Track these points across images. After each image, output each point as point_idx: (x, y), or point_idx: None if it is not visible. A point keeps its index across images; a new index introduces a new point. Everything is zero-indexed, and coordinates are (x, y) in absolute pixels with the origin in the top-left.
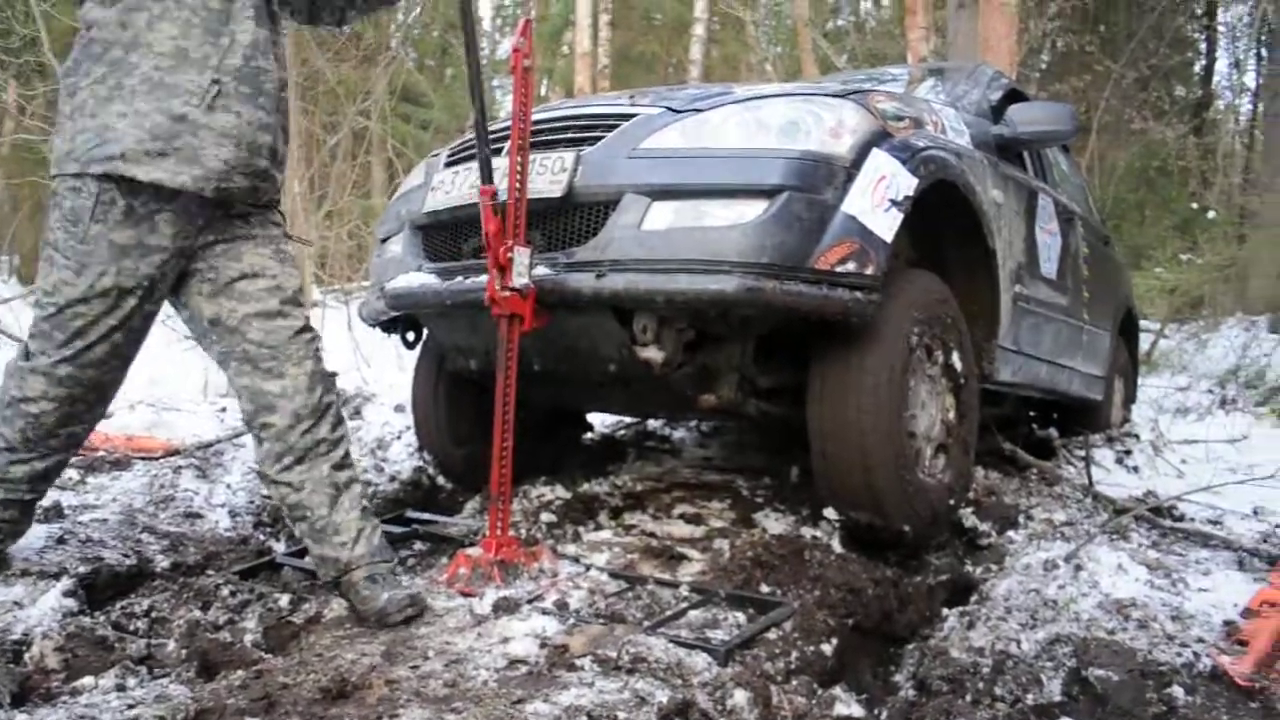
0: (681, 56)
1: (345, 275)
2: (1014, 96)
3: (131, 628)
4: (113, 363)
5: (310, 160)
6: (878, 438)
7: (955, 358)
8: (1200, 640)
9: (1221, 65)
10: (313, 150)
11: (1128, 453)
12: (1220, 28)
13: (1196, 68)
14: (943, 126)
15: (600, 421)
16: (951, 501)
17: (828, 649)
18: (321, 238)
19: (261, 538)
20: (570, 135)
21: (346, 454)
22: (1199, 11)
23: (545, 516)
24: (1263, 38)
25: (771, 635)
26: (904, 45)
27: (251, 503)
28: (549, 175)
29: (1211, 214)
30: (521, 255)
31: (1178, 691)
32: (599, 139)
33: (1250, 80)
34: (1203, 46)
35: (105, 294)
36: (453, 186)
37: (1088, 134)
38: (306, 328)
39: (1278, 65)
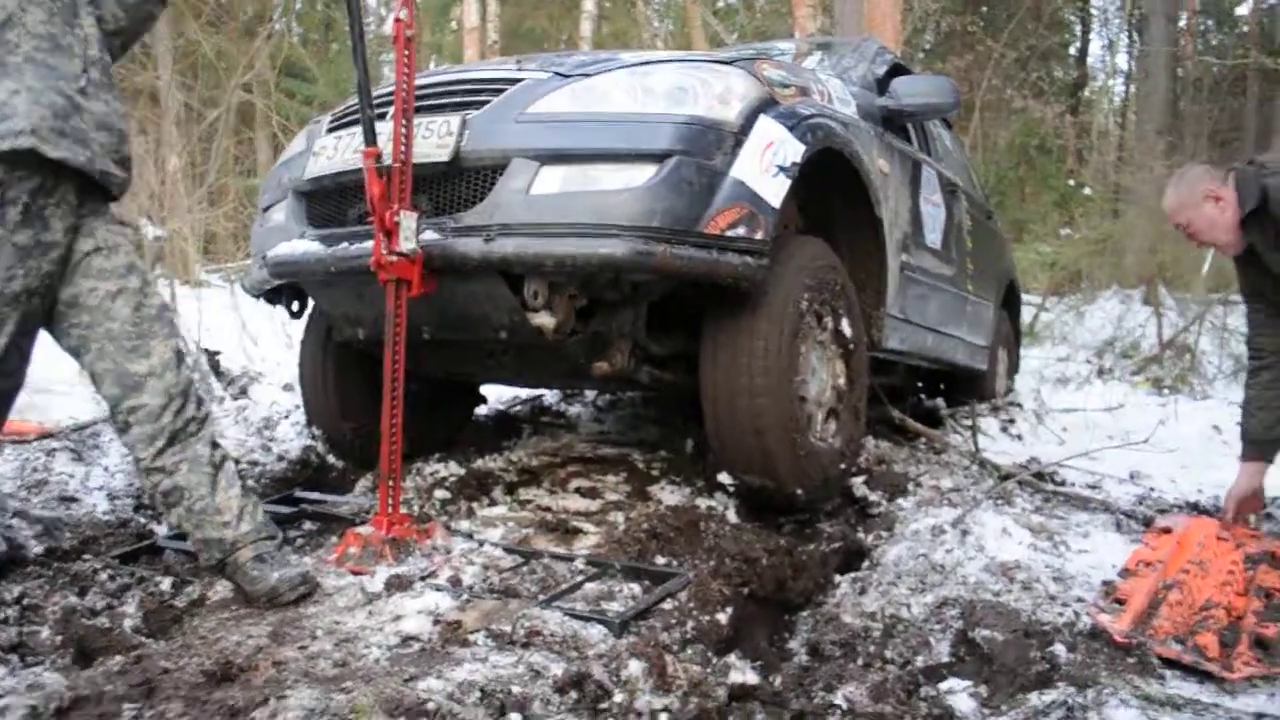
0: (572, 32)
1: (230, 254)
2: (899, 71)
3: (1, 616)
4: (14, 364)
5: (189, 136)
6: (769, 401)
7: (845, 324)
8: (1080, 600)
9: (1095, 47)
10: (191, 126)
11: (1011, 421)
12: (1094, 10)
13: (1072, 49)
14: (829, 96)
15: (495, 397)
16: (843, 465)
17: (723, 618)
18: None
19: (142, 520)
20: (456, 99)
21: (213, 433)
22: None
23: (439, 493)
24: (1133, 20)
25: (667, 606)
26: (792, 23)
27: (131, 485)
28: (435, 139)
29: (1088, 190)
30: (408, 219)
31: (1060, 649)
32: (486, 103)
33: (1122, 62)
34: (1078, 29)
35: (15, 299)
36: (335, 152)
37: (971, 112)
38: (166, 305)
39: (1149, 47)
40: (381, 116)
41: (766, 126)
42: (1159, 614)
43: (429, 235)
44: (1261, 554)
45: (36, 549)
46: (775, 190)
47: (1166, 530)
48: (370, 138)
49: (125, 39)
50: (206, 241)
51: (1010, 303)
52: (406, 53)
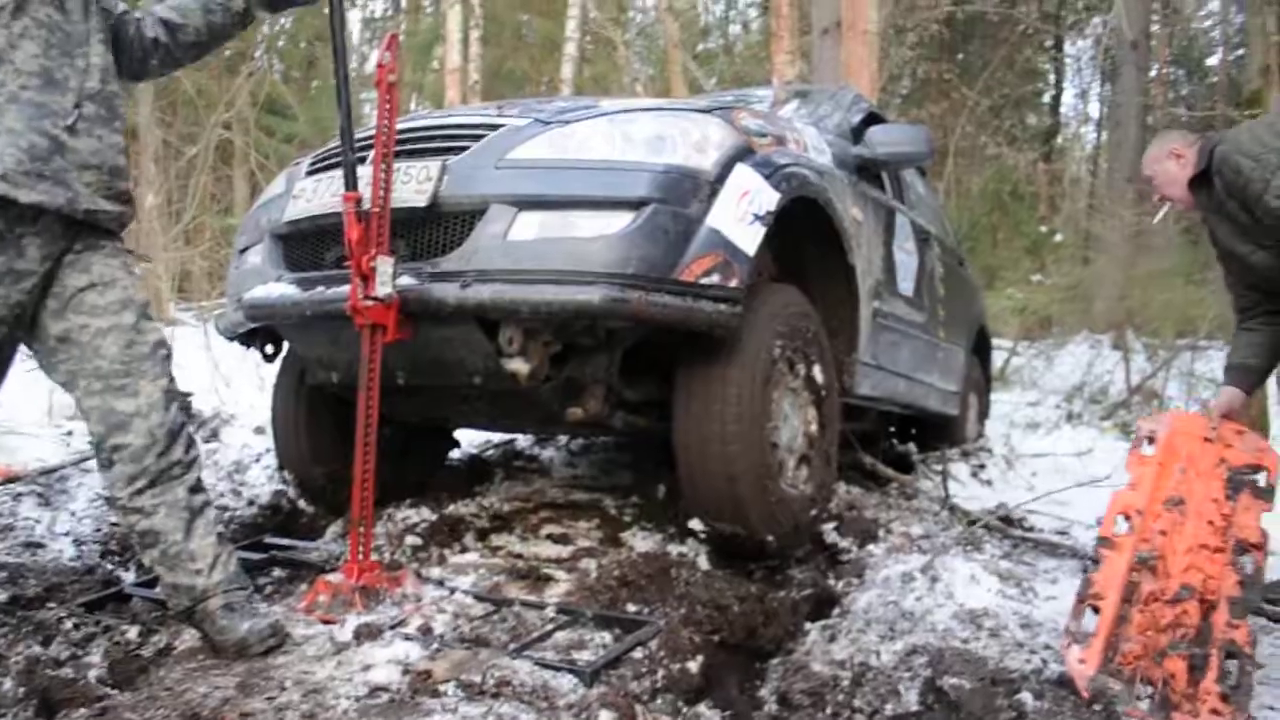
0: (553, 75)
1: (204, 293)
2: (874, 120)
3: None
4: None
5: (167, 173)
6: (741, 448)
7: (817, 371)
8: (1048, 647)
9: (1068, 95)
10: (169, 162)
11: (982, 466)
12: (1067, 59)
13: (1046, 97)
14: (805, 145)
15: (468, 441)
16: (814, 512)
17: (694, 666)
18: (178, 255)
19: (109, 567)
20: (436, 145)
21: (199, 478)
22: (1048, 44)
23: (409, 539)
24: (1104, 69)
25: (638, 654)
26: (770, 69)
27: (98, 530)
28: (414, 184)
29: (1059, 237)
30: (385, 264)
31: (1026, 697)
32: (465, 148)
33: (1094, 110)
34: (1051, 77)
35: None
36: (314, 195)
37: (945, 158)
38: (161, 342)
39: (1120, 96)
40: (361, 161)
41: (742, 175)
42: (1130, 622)
43: (405, 280)
44: (1244, 467)
45: (0, 596)
46: (750, 238)
47: (1150, 439)
48: (351, 182)
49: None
50: (181, 279)
51: (981, 348)
52: (389, 98)
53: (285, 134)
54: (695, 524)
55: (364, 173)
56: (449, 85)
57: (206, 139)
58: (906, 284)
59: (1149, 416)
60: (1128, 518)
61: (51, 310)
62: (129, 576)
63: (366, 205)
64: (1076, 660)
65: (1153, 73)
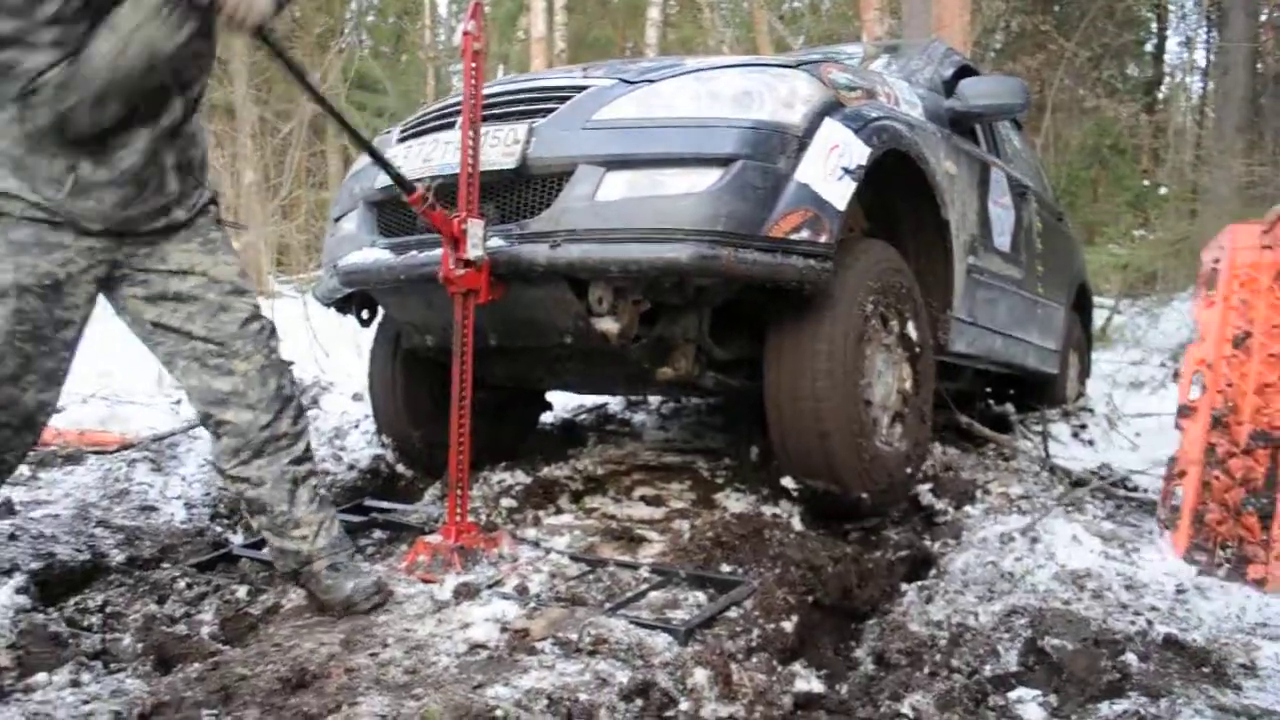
0: (638, 40)
1: (302, 265)
2: (966, 73)
3: (85, 623)
4: (27, 378)
5: (263, 149)
6: (834, 405)
7: (910, 327)
8: (1154, 609)
9: (1172, 44)
10: (266, 139)
11: (1083, 427)
12: (1170, 6)
13: (1148, 46)
14: (895, 98)
15: (561, 405)
16: (909, 470)
17: (788, 626)
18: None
19: (218, 530)
20: (523, 108)
21: (307, 447)
22: None
23: (505, 502)
24: (1211, 16)
25: (732, 614)
26: (859, 26)
27: (207, 495)
28: (501, 147)
29: (1163, 190)
30: (475, 227)
31: (1131, 659)
32: (552, 111)
33: (1200, 58)
34: (1153, 25)
35: (4, 293)
36: (405, 161)
37: (1042, 112)
38: (254, 317)
39: (1228, 43)
40: (450, 126)
41: (831, 129)
42: (1210, 492)
43: (496, 242)
44: None
45: (118, 557)
46: (840, 193)
47: (1214, 271)
48: (406, 186)
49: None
50: (279, 253)
51: (1082, 305)
52: (474, 65)
53: (375, 108)
54: (788, 483)
55: (452, 137)
56: (534, 54)
57: (300, 115)
58: (1003, 239)
59: (1210, 245)
60: (1201, 377)
61: (142, 298)
62: (237, 539)
63: (454, 170)
64: (1169, 540)
65: (1263, 16)
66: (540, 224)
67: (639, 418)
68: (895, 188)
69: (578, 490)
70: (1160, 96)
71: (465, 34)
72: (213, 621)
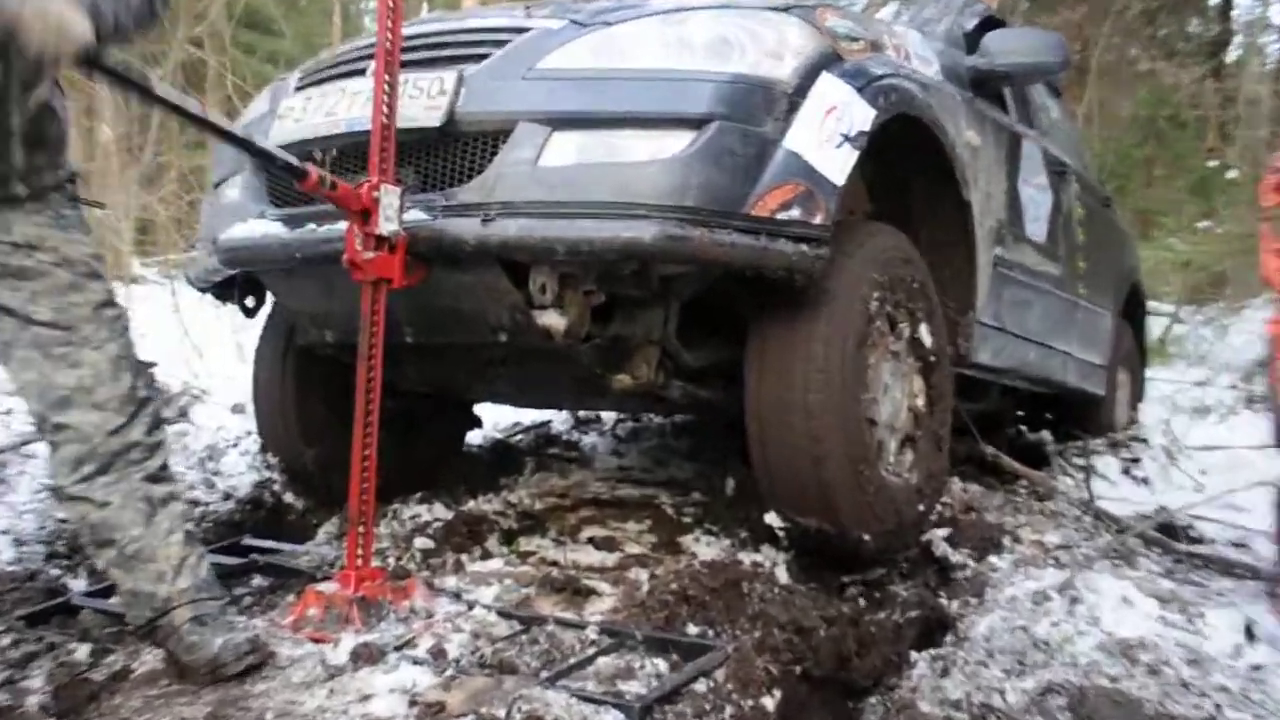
0: None
1: (171, 245)
2: (992, 25)
3: None
4: None
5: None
6: (829, 422)
7: (924, 331)
8: (1223, 689)
9: None
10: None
11: (1135, 460)
12: None
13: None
14: (906, 53)
15: (492, 422)
16: (921, 507)
17: (769, 703)
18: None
19: (55, 573)
20: (451, 53)
21: (165, 464)
22: None
23: (420, 542)
24: None
25: (700, 687)
26: None
27: (42, 529)
28: (424, 100)
29: (1233, 173)
30: (390, 196)
31: None
32: (487, 56)
33: (1277, 14)
34: None
35: None
36: (305, 114)
37: (1085, 76)
38: (108, 303)
39: None
40: (360, 73)
41: (829, 87)
42: None
43: (415, 215)
44: None
45: None
46: (838, 164)
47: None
48: (296, 173)
49: None
50: (142, 230)
51: (1133, 312)
52: (392, 2)
53: (268, 52)
54: (772, 520)
55: (363, 87)
56: None
57: (173, 59)
58: (1036, 227)
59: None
60: None
61: None
62: (78, 584)
63: (365, 127)
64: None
65: None
66: (470, 194)
67: (589, 440)
68: (905, 161)
69: (510, 529)
70: (1229, 59)
71: None
72: (44, 689)
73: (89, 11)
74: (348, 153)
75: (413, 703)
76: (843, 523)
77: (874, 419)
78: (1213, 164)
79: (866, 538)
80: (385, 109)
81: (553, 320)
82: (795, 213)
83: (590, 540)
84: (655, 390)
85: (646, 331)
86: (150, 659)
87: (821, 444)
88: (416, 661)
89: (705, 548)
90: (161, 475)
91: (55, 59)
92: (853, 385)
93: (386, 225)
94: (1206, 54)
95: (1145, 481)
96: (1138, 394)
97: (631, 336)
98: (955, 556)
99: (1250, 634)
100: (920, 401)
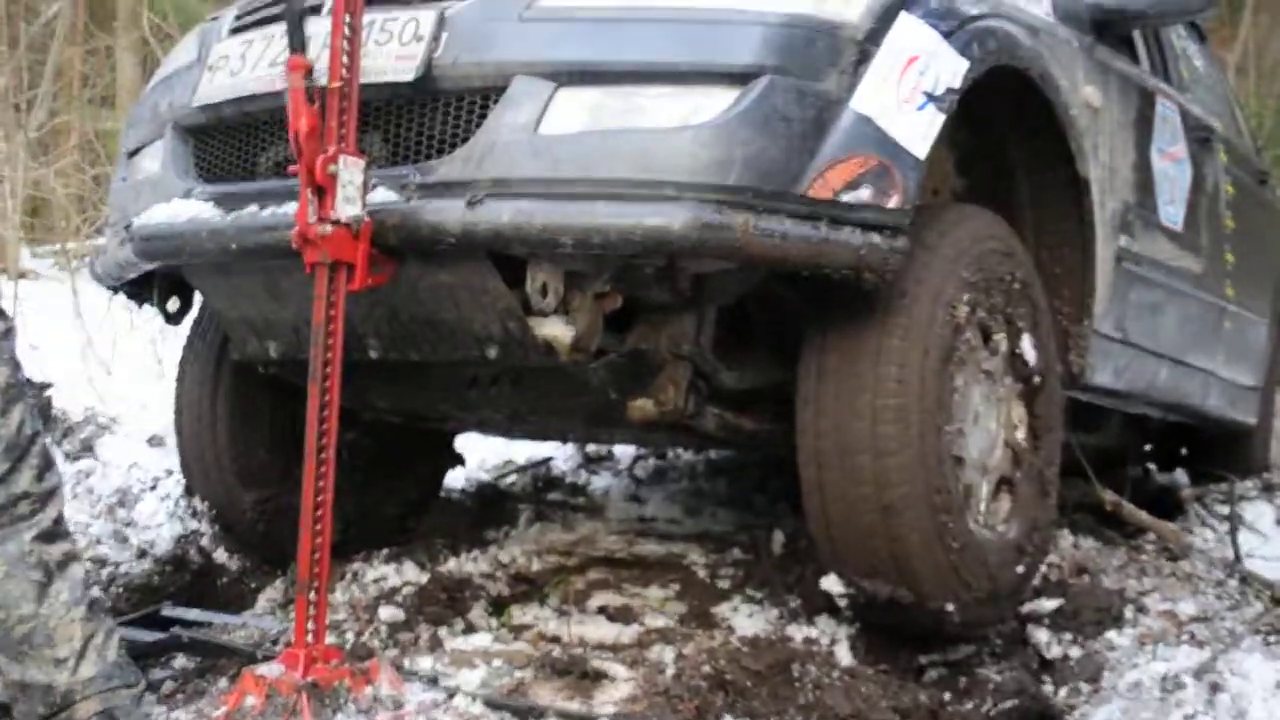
0: None
1: (70, 230)
2: None
3: None
4: None
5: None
6: (904, 461)
7: (1026, 344)
8: None
9: None
10: (14, 29)
11: None
12: None
13: None
14: None
15: (477, 461)
16: (1019, 568)
17: None
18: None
19: None
20: None
21: (60, 517)
22: None
23: (386, 612)
24: None
25: None
26: None
27: None
28: (395, 47)
29: None
30: (351, 171)
31: None
32: None
33: None
34: None
35: None
36: (242, 64)
37: (1238, 13)
38: None
39: None
40: (315, 10)
41: (909, 31)
42: None
43: (382, 195)
44: None
45: None
46: (920, 131)
47: None
48: (298, 40)
49: None
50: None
51: None
52: None
53: None
54: (831, 585)
55: (317, 29)
56: None
57: None
58: (1172, 210)
59: None
60: None
61: None
62: None
63: (322, 80)
64: None
65: None
66: (453, 168)
67: (600, 482)
68: (1006, 126)
69: (501, 596)
70: None
71: None
72: None
73: None
74: None
75: None
76: (920, 588)
77: (961, 457)
78: None
79: (950, 607)
80: (345, 59)
81: (556, 330)
82: (865, 194)
83: (601, 610)
84: (684, 419)
85: (674, 345)
86: None
87: (894, 489)
88: None
89: (746, 619)
90: (57, 531)
91: None
92: (934, 414)
93: (346, 208)
94: None
95: None
96: None
97: (655, 351)
98: (1066, 629)
99: None
100: (1020, 434)
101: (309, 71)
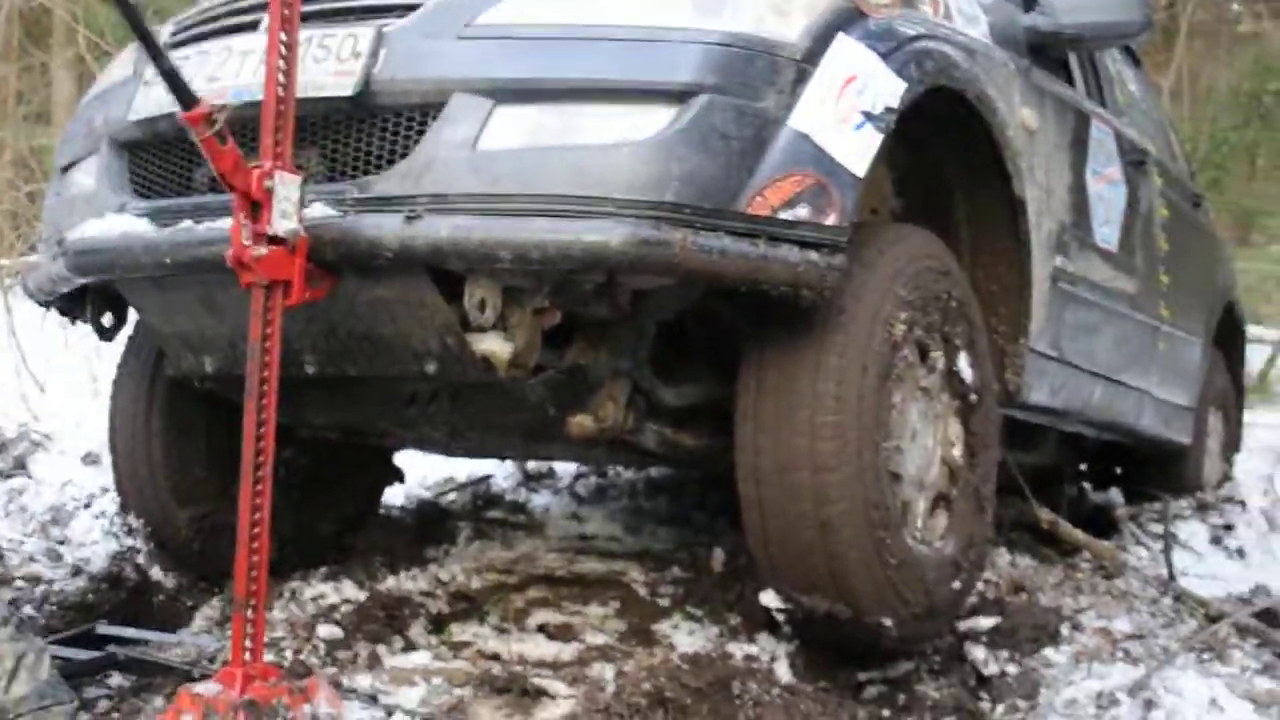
0: None
1: (5, 248)
2: None
3: None
4: None
5: None
6: (843, 477)
7: (963, 362)
8: None
9: None
10: None
11: (1228, 528)
12: None
13: None
14: (946, 9)
15: (417, 478)
16: (956, 584)
17: None
18: None
19: None
20: (369, 2)
21: None
22: None
23: (325, 630)
24: None
25: None
26: None
27: None
28: (333, 62)
29: None
30: (288, 186)
31: None
32: (414, 8)
33: None
34: None
35: None
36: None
37: (1172, 40)
38: None
39: None
40: (253, 27)
41: (847, 52)
42: None
43: (320, 210)
44: None
45: None
46: (858, 150)
47: None
48: (187, 97)
49: None
50: None
51: (1228, 339)
52: None
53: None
54: (770, 600)
55: (254, 45)
56: None
57: (9, 4)
58: (1107, 231)
59: None
60: None
61: None
62: None
63: (255, 96)
64: None
65: None
66: (391, 184)
67: (540, 500)
68: (942, 146)
69: (440, 614)
70: None
71: None
72: None
73: None
74: (235, 130)
75: None
76: (858, 603)
77: (898, 473)
78: None
79: (888, 622)
80: (282, 74)
81: (494, 346)
82: (803, 211)
83: (541, 628)
84: (624, 436)
85: (613, 361)
86: None
87: (832, 505)
88: None
89: (686, 637)
90: None
91: None
92: (872, 431)
93: (282, 223)
94: None
95: (1240, 554)
96: (1232, 443)
97: (594, 367)
98: (1002, 646)
99: None
100: (957, 451)
101: (209, 116)
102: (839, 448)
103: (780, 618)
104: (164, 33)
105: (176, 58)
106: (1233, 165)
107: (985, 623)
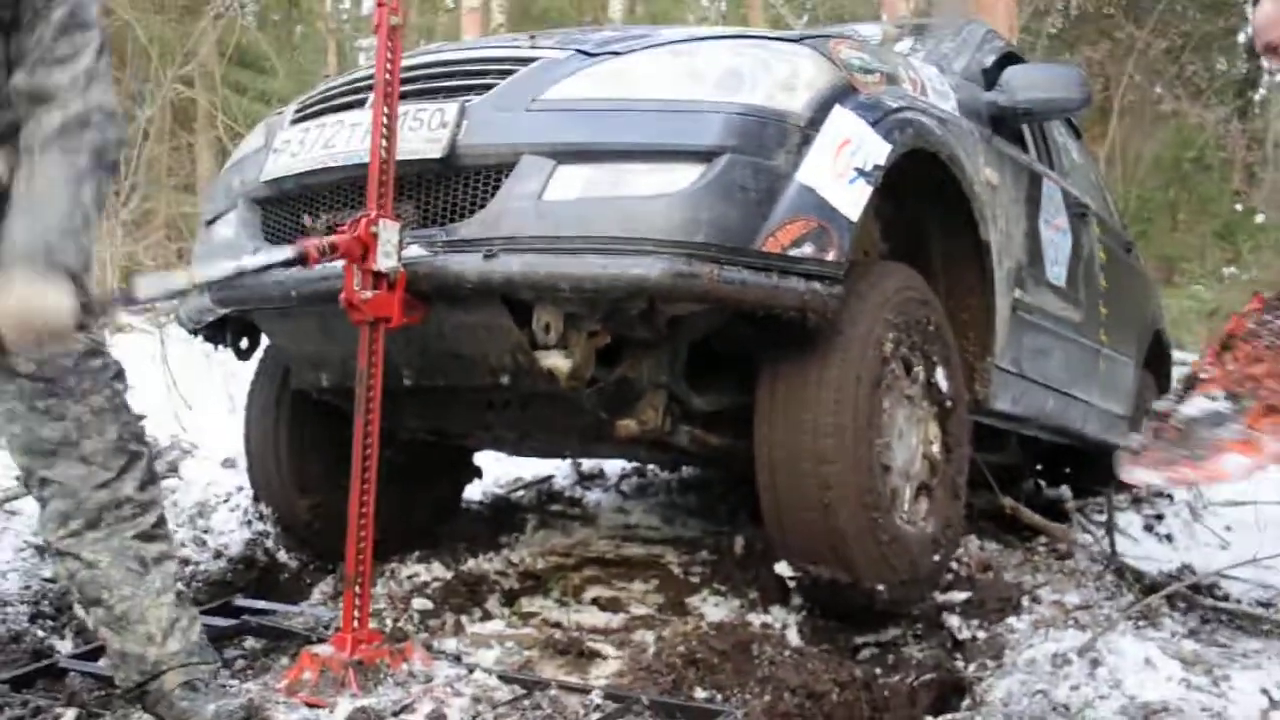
0: (599, 15)
1: None
2: (1011, 61)
3: None
4: None
5: None
6: (842, 468)
7: (940, 375)
8: None
9: None
10: None
11: (1159, 517)
12: None
13: (1240, 37)
14: (923, 86)
15: (493, 479)
16: (936, 558)
17: None
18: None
19: (40, 634)
20: (454, 83)
21: (160, 521)
22: None
23: (418, 603)
24: None
25: None
26: (878, 4)
27: (27, 588)
28: (425, 131)
29: (1261, 218)
30: (389, 231)
31: None
32: (490, 87)
33: None
34: (1248, 9)
35: None
36: (301, 147)
37: (1107, 116)
38: (93, 353)
39: None
40: (360, 104)
41: (843, 120)
42: None
43: (414, 250)
44: None
45: None
46: (853, 200)
47: None
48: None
49: None
50: (127, 279)
51: (1157, 362)
52: (390, 44)
53: (259, 91)
54: (783, 569)
55: (362, 119)
56: (466, 28)
57: (162, 97)
58: (1057, 270)
59: None
60: None
61: None
62: (65, 646)
63: (360, 160)
64: None
65: None
66: (472, 229)
67: (593, 496)
68: (921, 199)
69: (512, 590)
70: (1256, 98)
71: (379, 4)
72: None
73: (73, 270)
74: (346, 187)
75: None
76: (856, 572)
77: (888, 465)
78: (1239, 208)
79: (880, 588)
80: (384, 140)
81: (557, 362)
82: (808, 249)
83: (594, 601)
84: (662, 436)
85: (653, 374)
86: None
87: (833, 490)
88: None
89: (713, 608)
90: (155, 533)
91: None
92: (866, 430)
93: (385, 261)
94: (1233, 93)
95: (1169, 538)
96: None
97: (638, 379)
98: (974, 615)
99: (1274, 699)
100: (936, 448)
101: (333, 248)
102: (838, 444)
103: (792, 585)
104: (290, 110)
105: (300, 129)
106: (1158, 219)
107: (959, 596)
